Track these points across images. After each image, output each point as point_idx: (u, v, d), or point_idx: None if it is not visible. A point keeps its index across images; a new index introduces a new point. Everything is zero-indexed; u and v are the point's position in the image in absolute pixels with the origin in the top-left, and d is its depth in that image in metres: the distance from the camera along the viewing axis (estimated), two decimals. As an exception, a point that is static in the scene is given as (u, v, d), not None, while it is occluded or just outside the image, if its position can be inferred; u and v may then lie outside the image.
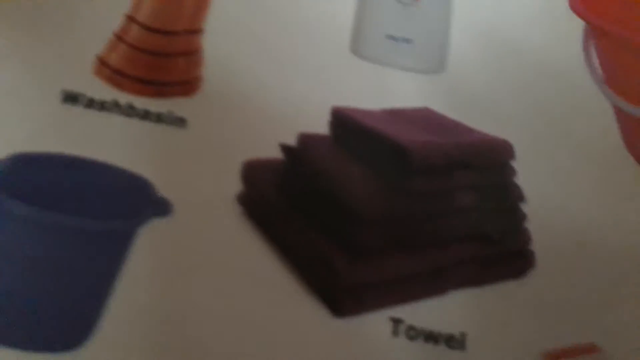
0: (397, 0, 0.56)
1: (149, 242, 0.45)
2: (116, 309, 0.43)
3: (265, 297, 0.44)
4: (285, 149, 0.49)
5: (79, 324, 0.43)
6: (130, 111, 0.49)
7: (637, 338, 0.46)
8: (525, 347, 0.44)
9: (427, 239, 0.47)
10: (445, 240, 0.48)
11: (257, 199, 0.48)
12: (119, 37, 0.52)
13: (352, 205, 0.46)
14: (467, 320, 0.45)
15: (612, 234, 0.49)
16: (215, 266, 0.45)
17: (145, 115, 0.49)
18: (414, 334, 0.44)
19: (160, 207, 0.46)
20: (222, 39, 0.53)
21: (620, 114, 0.54)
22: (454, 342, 0.44)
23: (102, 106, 0.49)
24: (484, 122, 0.52)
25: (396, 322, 0.44)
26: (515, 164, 0.50)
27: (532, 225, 0.49)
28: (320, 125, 0.51)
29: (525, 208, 0.49)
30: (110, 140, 0.48)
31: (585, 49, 0.56)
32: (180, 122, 0.50)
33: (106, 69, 0.51)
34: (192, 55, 0.53)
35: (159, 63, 0.52)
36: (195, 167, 0.48)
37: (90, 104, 0.49)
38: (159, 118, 0.49)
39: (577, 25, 0.57)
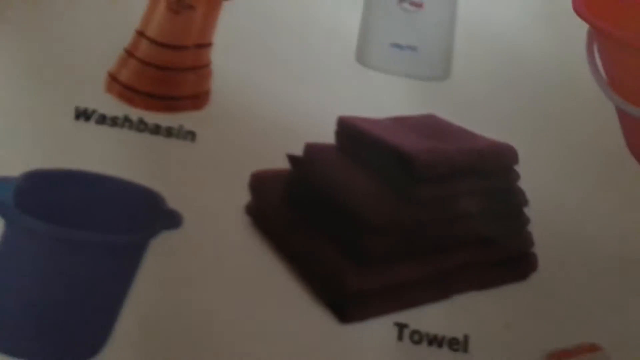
0: (401, 8, 0.57)
1: (160, 254, 0.46)
2: (128, 319, 0.44)
3: (273, 305, 0.46)
4: (292, 159, 0.50)
5: (92, 336, 0.44)
6: (141, 126, 0.51)
7: (640, 338, 0.46)
8: (528, 349, 0.45)
9: (432, 245, 0.48)
10: (449, 246, 0.48)
11: (265, 209, 0.49)
12: (129, 53, 0.53)
13: (358, 214, 0.47)
14: (469, 323, 0.46)
15: (615, 236, 0.50)
16: (224, 275, 0.46)
17: (156, 130, 0.51)
18: (418, 338, 0.45)
19: (171, 220, 0.47)
20: (230, 52, 0.54)
21: (623, 116, 0.54)
22: (457, 345, 0.45)
23: (113, 122, 0.51)
24: (488, 127, 0.52)
25: (401, 326, 0.45)
26: (519, 168, 0.50)
27: (535, 227, 0.49)
28: (328, 135, 0.52)
29: (528, 211, 0.50)
30: (122, 156, 0.49)
31: (589, 52, 0.57)
32: (190, 135, 0.51)
33: (117, 85, 0.52)
34: (202, 69, 0.54)
35: (168, 78, 0.53)
36: (204, 179, 0.49)
37: (102, 120, 0.51)
38: (169, 132, 0.51)
39: (581, 29, 0.57)
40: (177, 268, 0.46)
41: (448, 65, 0.56)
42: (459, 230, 0.49)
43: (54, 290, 0.44)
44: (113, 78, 0.52)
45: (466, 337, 0.45)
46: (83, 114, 0.51)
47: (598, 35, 0.57)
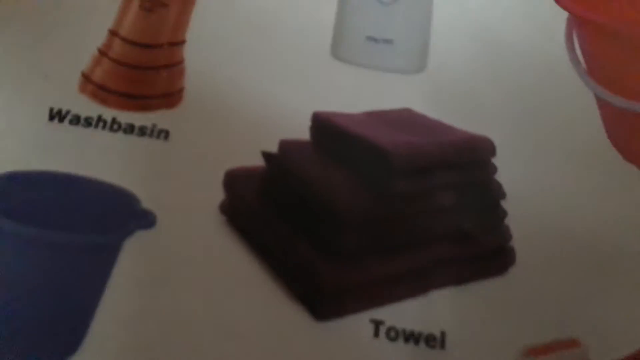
0: (377, 1, 0.56)
1: (135, 253, 0.46)
2: (104, 318, 0.44)
3: (248, 303, 0.45)
4: (266, 155, 0.50)
5: (68, 335, 0.44)
6: (114, 126, 0.50)
7: (619, 333, 0.46)
8: (505, 344, 0.45)
9: (409, 240, 0.48)
10: (426, 240, 0.48)
11: (239, 206, 0.49)
12: (103, 53, 0.53)
13: (333, 210, 0.46)
14: (447, 319, 0.45)
15: (594, 229, 0.49)
16: (199, 274, 0.46)
17: (130, 130, 0.50)
18: (394, 334, 0.45)
19: (145, 220, 0.47)
20: (203, 49, 0.54)
21: (602, 105, 0.54)
22: (433, 341, 0.45)
23: (87, 122, 0.50)
24: (465, 120, 0.52)
25: (377, 323, 0.45)
26: (496, 160, 0.50)
27: (512, 221, 0.49)
28: (303, 131, 0.51)
29: (506, 204, 0.49)
30: (96, 156, 0.49)
31: (568, 40, 0.56)
32: (163, 134, 0.50)
33: (91, 85, 0.52)
34: (175, 67, 0.53)
35: (142, 77, 0.53)
36: (178, 178, 0.49)
37: (77, 120, 0.50)
38: (142, 131, 0.50)
39: (560, 19, 0.57)
40: (152, 267, 0.46)
41: (424, 58, 0.56)
42: (436, 224, 0.48)
43: (29, 290, 0.44)
44: (87, 78, 0.52)
45: (443, 334, 0.45)
46: (57, 115, 0.51)
47: (578, 23, 0.56)
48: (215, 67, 0.53)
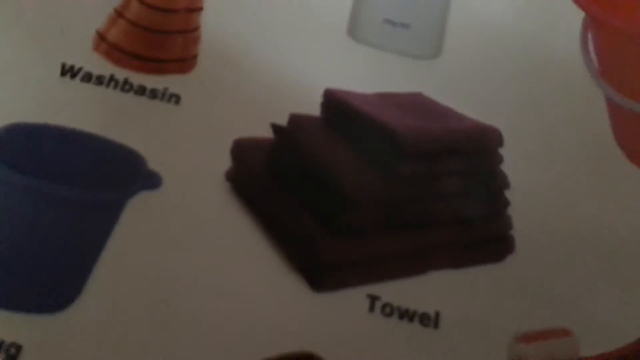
0: (397, -15, 0.57)
1: (139, 213, 0.46)
2: (102, 274, 0.44)
3: (248, 270, 0.45)
4: (276, 128, 0.50)
5: (65, 288, 0.44)
6: (126, 86, 0.51)
7: (612, 325, 0.46)
8: (497, 329, 0.45)
9: (411, 221, 0.48)
10: (428, 223, 0.48)
11: (245, 175, 0.49)
12: (119, 13, 0.53)
13: (339, 188, 0.47)
14: (442, 300, 0.46)
15: (593, 223, 0.49)
16: (201, 238, 0.46)
17: (141, 91, 0.51)
18: (389, 311, 0.45)
19: (151, 180, 0.47)
20: (220, 18, 0.54)
21: (612, 106, 0.54)
22: (427, 320, 0.45)
23: (99, 81, 0.51)
24: (476, 108, 0.52)
25: (373, 298, 0.45)
26: (503, 151, 0.50)
27: (514, 211, 0.49)
28: (313, 107, 0.51)
29: (509, 194, 0.50)
30: (106, 114, 0.49)
31: (583, 40, 0.57)
32: (174, 98, 0.51)
33: (105, 44, 0.52)
34: (191, 33, 0.54)
35: (156, 40, 0.53)
36: (186, 143, 0.49)
37: (88, 78, 0.51)
38: (154, 94, 0.50)
39: (573, 14, 0.57)
40: (154, 228, 0.46)
41: (440, 44, 0.56)
42: (439, 208, 0.49)
43: (29, 242, 0.44)
44: (101, 37, 0.52)
45: (437, 314, 0.45)
46: (69, 71, 0.51)
47: (594, 24, 0.56)
48: (231, 37, 0.53)
